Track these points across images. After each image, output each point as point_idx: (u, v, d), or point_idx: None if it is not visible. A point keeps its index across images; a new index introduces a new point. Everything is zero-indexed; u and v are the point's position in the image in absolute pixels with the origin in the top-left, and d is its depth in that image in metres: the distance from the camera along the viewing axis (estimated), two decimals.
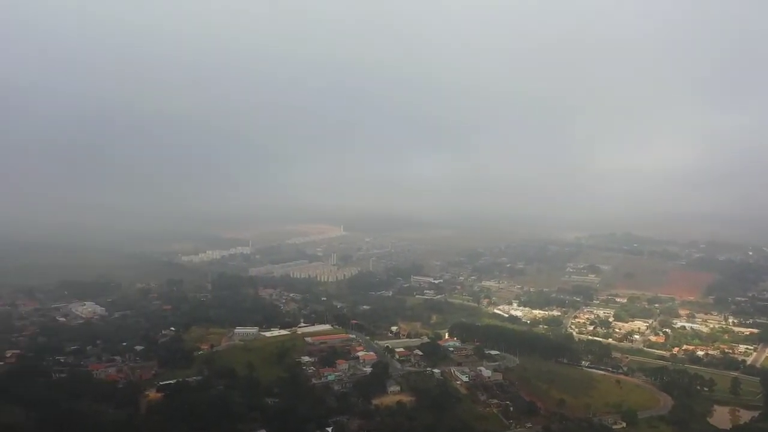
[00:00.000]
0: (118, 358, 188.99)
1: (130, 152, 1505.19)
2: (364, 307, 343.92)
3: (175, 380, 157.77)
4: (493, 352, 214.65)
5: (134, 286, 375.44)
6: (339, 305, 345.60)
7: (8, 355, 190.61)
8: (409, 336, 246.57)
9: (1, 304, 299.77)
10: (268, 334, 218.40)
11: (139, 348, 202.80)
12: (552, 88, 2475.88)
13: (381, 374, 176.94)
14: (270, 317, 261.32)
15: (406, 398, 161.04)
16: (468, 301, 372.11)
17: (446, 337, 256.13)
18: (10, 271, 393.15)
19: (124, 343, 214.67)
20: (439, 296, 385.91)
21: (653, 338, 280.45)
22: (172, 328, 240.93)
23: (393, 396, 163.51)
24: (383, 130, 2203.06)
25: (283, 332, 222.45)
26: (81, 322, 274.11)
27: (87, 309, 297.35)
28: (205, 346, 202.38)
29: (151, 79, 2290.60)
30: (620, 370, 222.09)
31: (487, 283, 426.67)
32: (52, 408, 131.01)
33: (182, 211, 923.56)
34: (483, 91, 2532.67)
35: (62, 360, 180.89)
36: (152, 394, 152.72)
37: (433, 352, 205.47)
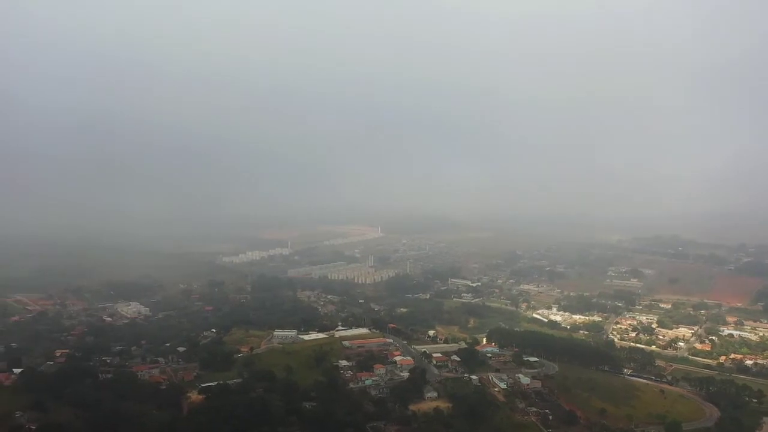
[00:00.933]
0: (161, 359, 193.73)
1: (174, 160, 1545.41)
2: (402, 309, 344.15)
3: (215, 383, 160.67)
4: (532, 359, 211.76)
5: (177, 286, 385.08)
6: (376, 308, 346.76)
7: (58, 354, 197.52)
8: (446, 341, 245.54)
9: (51, 303, 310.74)
10: (306, 337, 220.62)
11: (181, 349, 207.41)
12: (590, 94, 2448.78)
13: (418, 380, 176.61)
14: (308, 320, 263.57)
15: (443, 405, 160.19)
16: (506, 305, 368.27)
17: (484, 342, 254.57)
18: (60, 271, 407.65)
19: (167, 344, 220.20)
20: (476, 299, 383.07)
21: (699, 346, 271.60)
22: (213, 330, 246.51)
23: (430, 402, 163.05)
24: (419, 136, 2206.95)
25: (321, 336, 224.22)
26: (126, 322, 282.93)
27: (132, 309, 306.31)
28: (245, 349, 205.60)
29: (193, 93, 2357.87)
30: (664, 379, 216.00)
31: (525, 287, 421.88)
32: (99, 408, 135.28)
33: (224, 213, 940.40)
34: (522, 96, 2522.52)
35: (108, 361, 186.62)
36: (194, 396, 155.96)
37: (471, 358, 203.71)
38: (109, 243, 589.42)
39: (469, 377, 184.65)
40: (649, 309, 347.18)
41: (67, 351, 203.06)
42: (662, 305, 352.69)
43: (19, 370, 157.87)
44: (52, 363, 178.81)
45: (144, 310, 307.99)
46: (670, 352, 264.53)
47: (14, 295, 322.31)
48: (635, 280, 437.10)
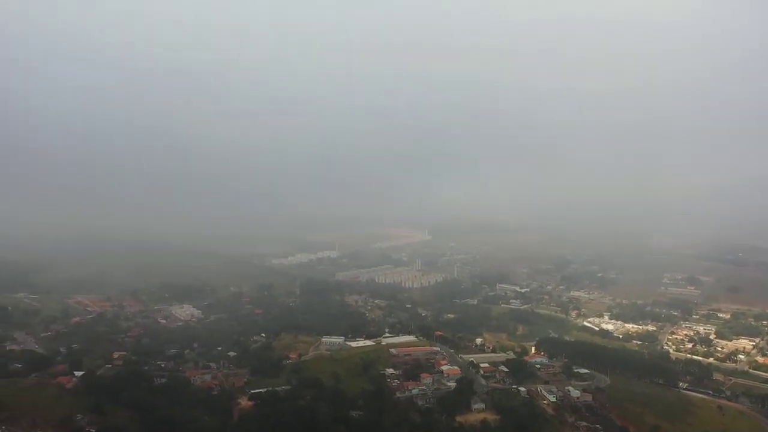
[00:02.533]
0: (213, 365, 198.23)
1: (229, 167, 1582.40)
2: (449, 315, 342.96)
3: (265, 389, 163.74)
4: (582, 371, 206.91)
5: (227, 289, 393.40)
6: (423, 313, 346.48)
7: (116, 356, 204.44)
8: (494, 350, 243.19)
9: (110, 305, 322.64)
10: (353, 344, 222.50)
11: (232, 354, 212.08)
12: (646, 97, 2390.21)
13: (465, 390, 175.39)
14: (355, 326, 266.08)
15: (490, 417, 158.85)
16: (556, 312, 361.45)
17: (533, 351, 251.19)
18: (117, 273, 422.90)
19: (219, 348, 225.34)
20: (525, 306, 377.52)
21: (760, 359, 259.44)
22: (263, 334, 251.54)
23: (477, 414, 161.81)
24: (470, 142, 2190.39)
25: (368, 343, 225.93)
26: (180, 324, 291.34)
27: (185, 311, 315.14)
28: (293, 355, 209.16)
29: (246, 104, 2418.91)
30: (722, 395, 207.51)
31: (576, 293, 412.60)
32: (154, 413, 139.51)
33: (273, 216, 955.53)
34: (572, 103, 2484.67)
35: (162, 365, 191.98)
36: (244, 402, 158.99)
37: (519, 369, 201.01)
38: (164, 244, 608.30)
39: (517, 389, 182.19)
40: (707, 319, 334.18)
41: (124, 353, 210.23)
42: (721, 315, 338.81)
43: (80, 373, 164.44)
44: (110, 366, 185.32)
45: (196, 312, 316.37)
46: (729, 365, 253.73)
47: (75, 296, 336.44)
48: (692, 287, 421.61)
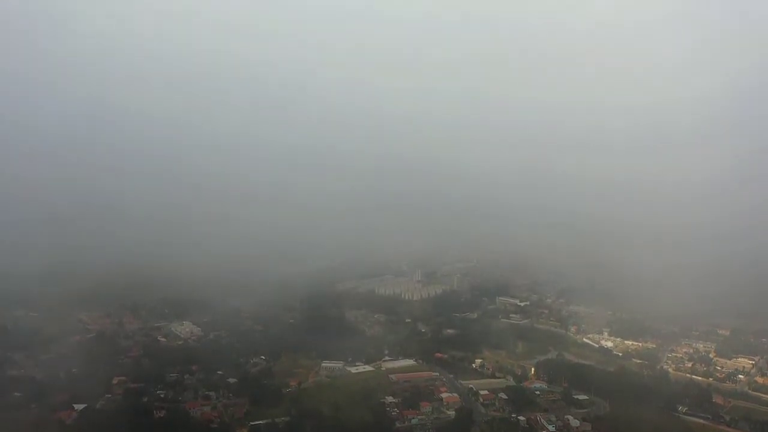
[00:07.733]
0: (212, 393, 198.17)
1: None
2: (449, 331, 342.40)
3: (264, 421, 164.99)
4: (581, 397, 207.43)
5: (227, 303, 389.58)
6: (423, 329, 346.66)
7: (115, 382, 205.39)
8: (493, 374, 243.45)
9: (109, 322, 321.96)
10: (353, 369, 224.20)
11: (231, 381, 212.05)
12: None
13: (464, 420, 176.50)
14: (355, 348, 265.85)
15: None
16: (555, 327, 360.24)
17: (532, 372, 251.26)
18: (118, 285, 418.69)
19: (219, 372, 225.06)
20: (524, 321, 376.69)
21: (759, 379, 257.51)
22: (263, 357, 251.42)
23: None
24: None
25: (368, 368, 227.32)
26: (180, 343, 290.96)
27: (185, 329, 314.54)
28: (293, 382, 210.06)
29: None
30: (722, 419, 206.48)
31: (575, 308, 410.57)
32: None
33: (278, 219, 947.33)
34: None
35: (162, 395, 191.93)
36: None
37: (519, 396, 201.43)
38: (165, 252, 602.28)
39: (516, 418, 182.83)
40: (707, 335, 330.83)
41: (123, 378, 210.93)
42: (720, 331, 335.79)
43: (80, 406, 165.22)
44: (110, 396, 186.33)
45: (196, 330, 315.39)
46: (728, 385, 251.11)
47: (75, 312, 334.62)
48: (691, 300, 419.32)
